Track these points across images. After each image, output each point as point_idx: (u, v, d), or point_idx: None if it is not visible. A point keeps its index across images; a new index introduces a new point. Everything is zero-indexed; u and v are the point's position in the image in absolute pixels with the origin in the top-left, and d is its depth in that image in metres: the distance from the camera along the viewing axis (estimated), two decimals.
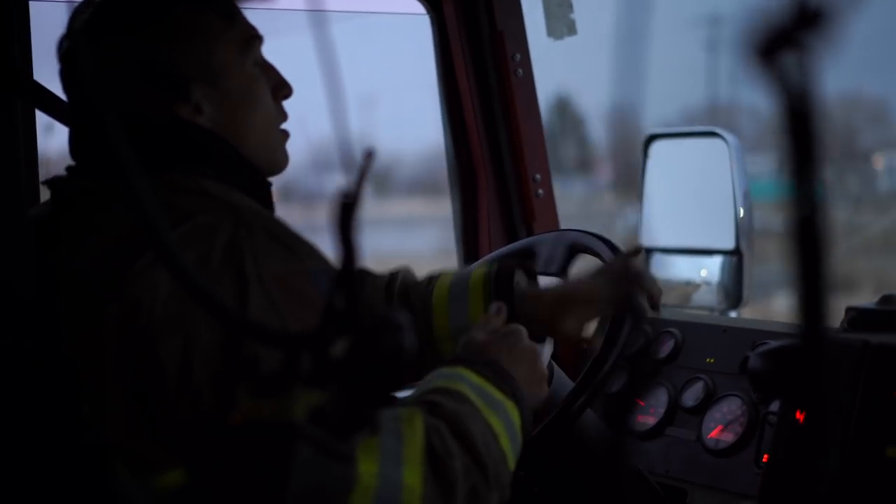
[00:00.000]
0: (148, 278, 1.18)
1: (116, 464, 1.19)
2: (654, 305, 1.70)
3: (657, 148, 2.39)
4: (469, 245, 2.39)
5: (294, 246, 1.27)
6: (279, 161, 1.48)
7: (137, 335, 1.18)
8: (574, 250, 1.83)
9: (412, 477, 1.20)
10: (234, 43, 1.39)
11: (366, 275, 1.80)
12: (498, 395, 1.34)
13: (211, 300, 1.00)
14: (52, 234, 1.30)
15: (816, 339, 0.61)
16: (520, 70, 2.30)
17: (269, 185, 1.45)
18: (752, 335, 1.95)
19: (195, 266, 1.17)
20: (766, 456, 1.77)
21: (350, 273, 1.03)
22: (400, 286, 1.79)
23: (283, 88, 1.47)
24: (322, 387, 1.04)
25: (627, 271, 1.74)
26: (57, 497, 1.20)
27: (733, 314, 2.27)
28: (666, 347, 2.12)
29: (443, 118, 2.38)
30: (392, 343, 1.05)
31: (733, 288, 2.27)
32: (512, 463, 1.33)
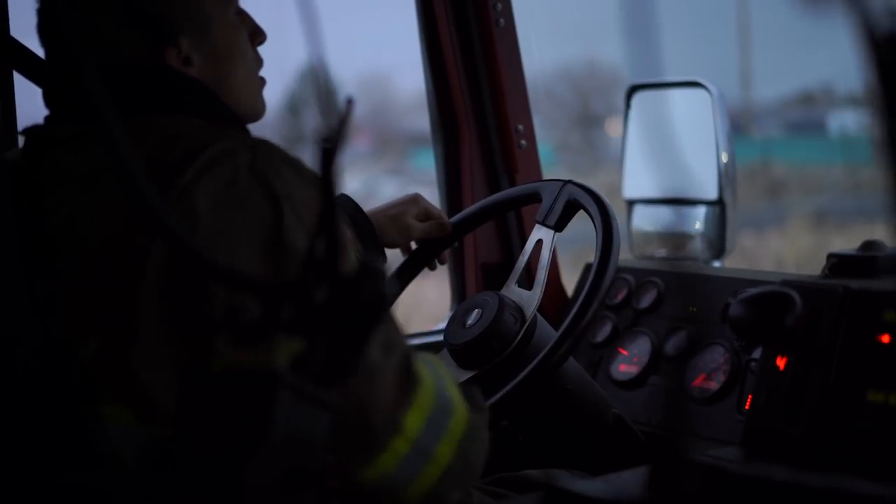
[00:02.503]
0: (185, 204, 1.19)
1: (109, 409, 1.20)
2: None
3: (639, 98, 2.38)
4: (452, 196, 2.38)
5: (306, 172, 1.27)
6: (259, 109, 1.48)
7: (154, 291, 1.19)
8: (573, 207, 1.84)
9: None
10: None
11: None
12: None
13: (169, 231, 1.00)
14: (35, 179, 1.30)
15: None
16: (501, 20, 2.28)
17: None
18: (734, 284, 1.96)
19: (224, 188, 1.20)
20: (748, 403, 1.78)
21: (331, 219, 1.02)
22: None
23: (258, 35, 1.48)
24: (303, 334, 1.04)
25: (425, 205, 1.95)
26: (35, 441, 1.20)
27: (717, 264, 2.28)
28: (649, 297, 2.12)
29: (424, 69, 2.36)
30: (373, 290, 1.05)
31: (716, 238, 2.27)
32: None
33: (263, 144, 1.28)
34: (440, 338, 1.92)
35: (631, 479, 1.29)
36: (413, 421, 1.24)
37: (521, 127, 2.33)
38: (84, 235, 1.24)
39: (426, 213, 1.96)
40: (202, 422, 1.07)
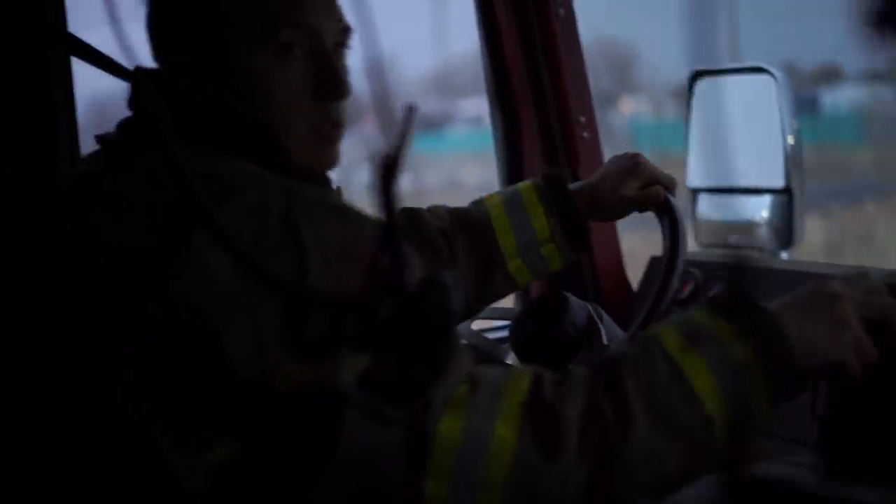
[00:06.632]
0: (204, 264, 1.12)
1: (162, 440, 1.16)
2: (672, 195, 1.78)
3: (702, 85, 2.34)
4: None
5: (347, 213, 1.21)
6: (315, 162, 1.35)
7: (198, 323, 1.12)
8: None
9: (505, 428, 1.12)
10: (251, 26, 1.28)
11: (418, 217, 1.79)
12: (715, 326, 1.17)
13: (263, 272, 0.98)
14: (96, 195, 1.26)
15: None
16: (561, 10, 2.25)
17: (313, 177, 1.35)
18: (804, 278, 1.91)
19: (250, 244, 1.11)
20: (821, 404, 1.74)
21: (394, 235, 1.01)
22: (451, 220, 1.81)
23: (326, 89, 1.32)
24: (370, 350, 1.03)
25: (649, 169, 1.78)
26: (105, 470, 1.19)
27: (784, 255, 2.23)
28: (715, 291, 2.08)
29: (483, 60, 2.33)
30: (440, 304, 1.03)
31: (784, 227, 2.23)
32: (713, 403, 1.14)
33: (304, 192, 1.20)
34: (506, 333, 1.90)
35: (702, 488, 1.26)
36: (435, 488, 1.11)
37: (582, 119, 2.30)
38: (112, 263, 1.20)
39: (649, 180, 1.77)
40: (269, 441, 1.06)
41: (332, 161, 1.36)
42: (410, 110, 1.00)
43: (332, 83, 1.32)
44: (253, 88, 1.29)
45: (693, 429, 1.15)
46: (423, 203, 1.87)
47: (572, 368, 1.19)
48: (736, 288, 1.24)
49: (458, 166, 17.07)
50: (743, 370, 1.15)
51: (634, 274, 2.39)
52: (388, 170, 0.96)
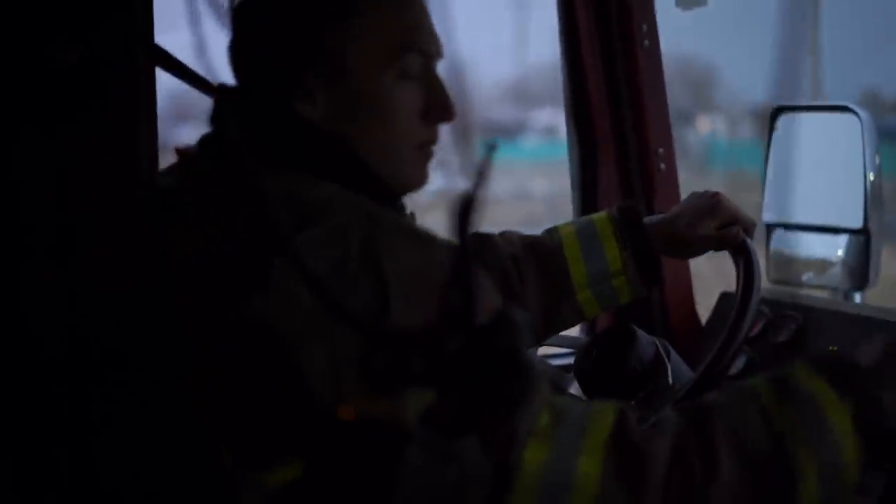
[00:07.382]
0: (287, 287, 1.12)
1: (225, 457, 1.17)
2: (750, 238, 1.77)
3: (784, 121, 2.32)
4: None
5: (428, 241, 1.21)
6: (408, 181, 1.37)
7: (275, 343, 1.13)
8: None
9: (589, 464, 1.13)
10: (377, 49, 1.31)
11: (490, 242, 1.79)
12: (814, 388, 1.18)
13: (335, 301, 0.98)
14: (174, 211, 1.27)
15: None
16: (646, 41, 2.23)
17: (397, 198, 1.37)
18: (879, 325, 1.88)
19: (332, 270, 1.13)
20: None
21: (466, 270, 1.00)
22: (523, 246, 1.80)
23: (437, 111, 1.35)
24: (435, 385, 1.02)
25: (729, 209, 1.76)
26: (165, 486, 1.20)
27: (857, 296, 2.20)
28: (786, 332, 2.05)
29: (564, 88, 2.32)
30: (508, 342, 1.02)
31: (859, 268, 2.20)
32: (807, 466, 1.14)
33: (384, 217, 1.21)
34: (570, 362, 1.89)
35: None
36: None
37: (661, 150, 2.28)
38: (187, 278, 1.21)
39: (728, 220, 1.76)
40: (330, 469, 1.06)
41: (425, 180, 1.40)
42: (492, 148, 1.00)
43: (442, 106, 1.36)
44: (372, 110, 1.32)
45: (779, 483, 1.15)
46: (492, 212, 1.86)
47: (663, 411, 1.20)
48: (836, 350, 1.24)
49: (529, 176, 17.01)
50: (837, 436, 1.16)
51: (701, 298, 2.37)
52: (465, 208, 0.96)
